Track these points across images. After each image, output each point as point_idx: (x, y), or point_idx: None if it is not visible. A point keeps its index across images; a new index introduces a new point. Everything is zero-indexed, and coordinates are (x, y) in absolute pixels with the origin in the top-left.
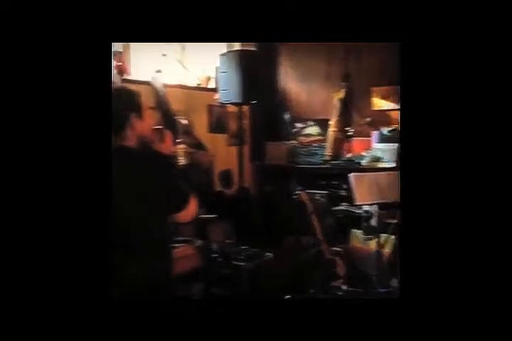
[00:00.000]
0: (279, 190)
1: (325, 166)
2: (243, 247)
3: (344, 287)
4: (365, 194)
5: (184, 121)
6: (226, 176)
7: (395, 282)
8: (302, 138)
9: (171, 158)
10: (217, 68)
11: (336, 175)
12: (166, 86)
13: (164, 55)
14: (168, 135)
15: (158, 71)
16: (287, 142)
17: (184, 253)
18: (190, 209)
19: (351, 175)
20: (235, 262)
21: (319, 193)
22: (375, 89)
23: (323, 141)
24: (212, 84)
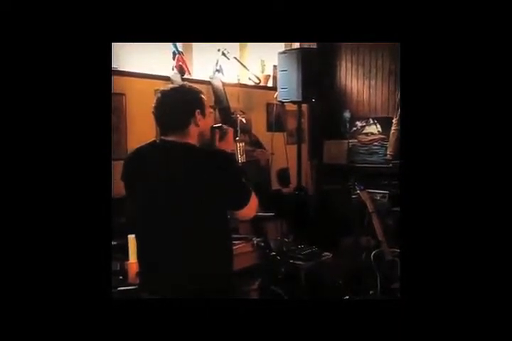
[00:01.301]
0: (337, 189)
1: (386, 166)
2: (301, 246)
3: None
4: None
5: (242, 119)
6: (284, 174)
7: None
8: (362, 137)
9: (233, 156)
10: (275, 66)
11: (397, 174)
12: (224, 84)
13: (224, 54)
14: (230, 132)
15: (218, 70)
16: (346, 141)
17: (242, 251)
18: (252, 206)
19: None
20: (293, 261)
21: (380, 193)
22: None
23: (385, 139)
24: (270, 83)
